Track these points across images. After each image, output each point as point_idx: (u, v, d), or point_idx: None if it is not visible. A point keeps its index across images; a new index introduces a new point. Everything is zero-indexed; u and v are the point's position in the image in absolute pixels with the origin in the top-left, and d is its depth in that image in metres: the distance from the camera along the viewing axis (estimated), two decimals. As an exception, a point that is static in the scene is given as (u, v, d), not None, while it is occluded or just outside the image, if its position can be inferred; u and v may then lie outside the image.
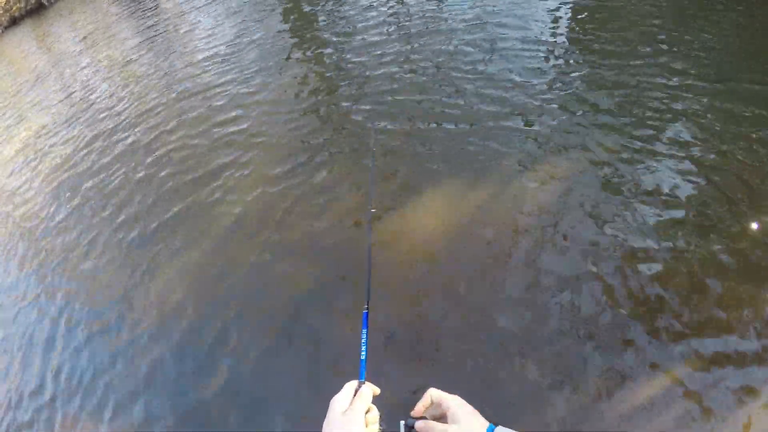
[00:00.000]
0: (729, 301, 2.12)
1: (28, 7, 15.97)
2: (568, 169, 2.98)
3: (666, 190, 2.66)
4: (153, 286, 3.35)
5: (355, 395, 0.83)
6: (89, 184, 4.84)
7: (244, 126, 4.54)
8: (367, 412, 0.81)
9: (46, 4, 15.71)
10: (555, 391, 2.02)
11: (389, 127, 3.83)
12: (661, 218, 2.54)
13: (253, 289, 3.01)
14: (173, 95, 5.73)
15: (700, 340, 2.02)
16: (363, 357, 0.94)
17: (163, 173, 4.40)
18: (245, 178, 3.91)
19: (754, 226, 2.37)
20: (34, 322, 3.58)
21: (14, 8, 16.16)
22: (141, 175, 4.53)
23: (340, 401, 0.81)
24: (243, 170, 3.99)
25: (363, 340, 0.96)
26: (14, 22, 15.77)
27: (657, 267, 2.33)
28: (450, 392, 0.82)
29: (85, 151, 5.48)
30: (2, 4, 16.26)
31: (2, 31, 15.57)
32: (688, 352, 2.00)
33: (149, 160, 4.69)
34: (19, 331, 3.59)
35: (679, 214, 2.54)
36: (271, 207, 3.53)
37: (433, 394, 0.84)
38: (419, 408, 0.85)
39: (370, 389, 0.85)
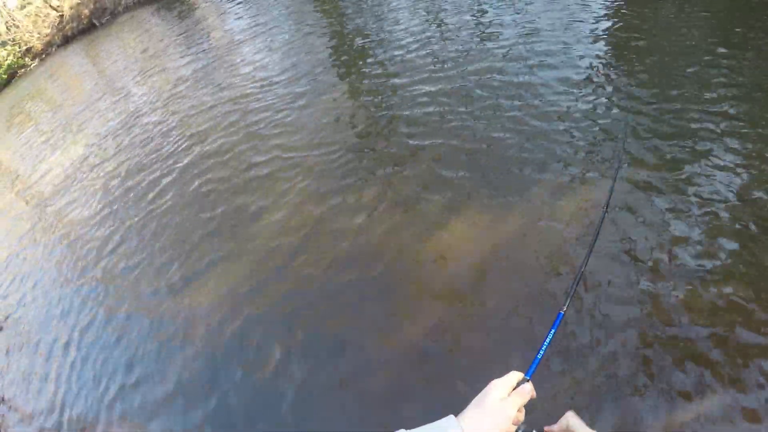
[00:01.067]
0: None
1: (80, 27, 16.76)
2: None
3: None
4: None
5: (516, 388, 0.82)
6: (134, 201, 5.07)
7: (290, 155, 4.66)
8: (517, 411, 0.81)
9: (98, 24, 16.47)
10: None
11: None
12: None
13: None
14: (218, 119, 5.94)
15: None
16: (539, 356, 0.93)
17: (209, 197, 4.57)
18: (293, 201, 4.04)
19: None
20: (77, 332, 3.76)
21: (67, 27, 17.00)
22: (188, 198, 4.71)
23: (499, 387, 0.81)
24: (290, 196, 4.11)
25: (547, 340, 0.95)
26: (67, 41, 16.57)
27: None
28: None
29: (132, 170, 5.73)
30: (56, 24, 17.14)
31: (55, 50, 16.39)
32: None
33: (197, 183, 4.86)
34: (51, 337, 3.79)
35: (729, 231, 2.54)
36: (319, 223, 3.70)
37: (571, 421, 0.85)
38: (554, 429, 0.86)
39: (530, 389, 0.84)
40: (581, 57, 4.31)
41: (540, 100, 3.97)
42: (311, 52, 6.73)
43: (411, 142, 4.13)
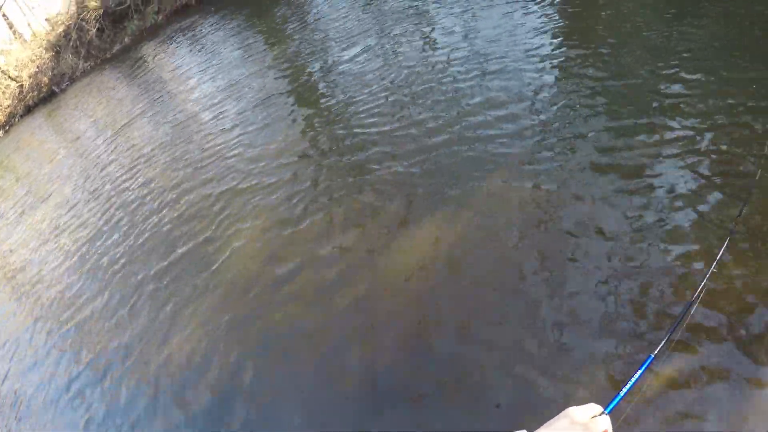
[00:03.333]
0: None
1: (41, 95, 17.15)
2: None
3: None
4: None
5: (591, 418, 0.84)
6: (102, 252, 5.38)
7: (253, 182, 5.06)
8: None
9: (58, 90, 16.87)
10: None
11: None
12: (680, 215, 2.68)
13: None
14: (179, 165, 6.35)
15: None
16: (622, 393, 0.95)
17: (174, 235, 4.93)
18: (252, 231, 4.38)
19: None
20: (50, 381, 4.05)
21: (28, 97, 17.38)
22: (159, 245, 5.06)
23: (573, 414, 0.83)
24: (247, 223, 4.48)
25: (633, 379, 0.98)
26: (29, 110, 16.94)
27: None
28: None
29: (100, 223, 6.08)
30: (16, 95, 17.50)
31: (18, 120, 16.72)
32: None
33: (165, 229, 5.23)
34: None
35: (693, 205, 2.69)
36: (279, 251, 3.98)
37: None
38: None
39: (606, 424, 0.85)
40: (530, 55, 4.57)
41: (488, 92, 4.29)
42: (263, 88, 7.19)
43: (363, 155, 4.48)
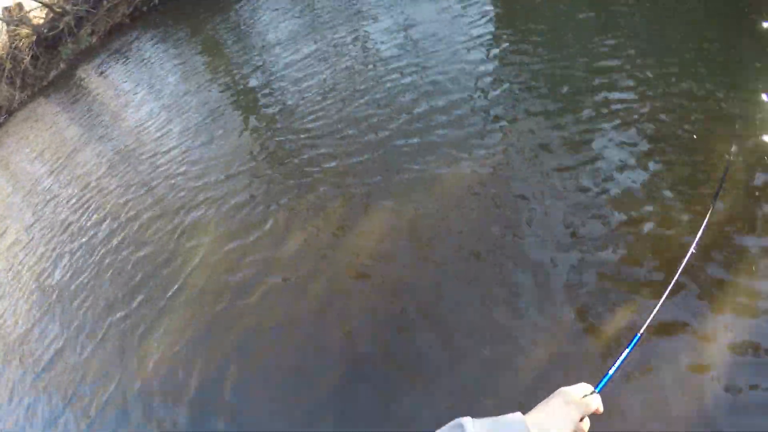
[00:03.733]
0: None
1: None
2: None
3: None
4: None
5: (583, 398, 0.85)
6: (63, 285, 5.40)
7: (203, 197, 5.15)
8: (581, 420, 0.84)
9: (-5, 124, 16.30)
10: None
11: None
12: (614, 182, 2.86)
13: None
14: (130, 190, 6.38)
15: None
16: (611, 372, 0.96)
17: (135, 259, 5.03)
18: (209, 245, 4.50)
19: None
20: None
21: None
22: (114, 272, 5.13)
23: (566, 394, 0.85)
24: (205, 238, 4.61)
25: (621, 358, 0.98)
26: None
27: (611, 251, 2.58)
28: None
29: (57, 257, 6.07)
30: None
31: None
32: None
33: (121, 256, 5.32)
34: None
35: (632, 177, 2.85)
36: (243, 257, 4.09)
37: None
38: None
39: (597, 402, 0.87)
40: (468, 44, 4.75)
41: (427, 85, 4.53)
42: (205, 103, 7.23)
43: (307, 157, 4.66)
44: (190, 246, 4.66)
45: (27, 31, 16.99)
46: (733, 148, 2.31)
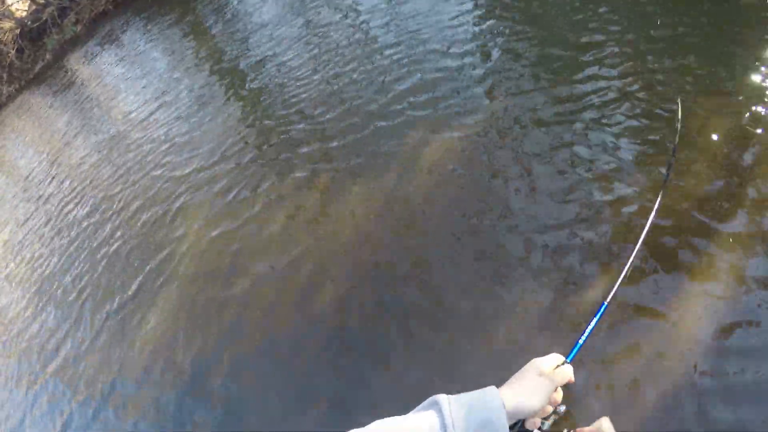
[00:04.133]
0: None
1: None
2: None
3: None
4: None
5: (555, 368, 0.86)
6: (61, 279, 5.37)
7: (194, 183, 5.09)
8: (554, 391, 0.84)
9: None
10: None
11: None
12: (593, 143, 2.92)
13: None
14: (125, 180, 6.30)
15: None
16: (581, 342, 0.97)
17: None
18: (198, 228, 4.48)
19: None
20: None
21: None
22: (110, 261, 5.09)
23: (539, 365, 0.85)
24: (197, 223, 4.56)
25: (589, 328, 1.00)
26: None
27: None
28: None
29: (52, 252, 6.02)
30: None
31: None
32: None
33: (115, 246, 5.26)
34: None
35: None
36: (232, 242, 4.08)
37: (605, 425, 0.92)
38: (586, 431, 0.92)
39: (569, 372, 0.88)
40: (453, 24, 4.72)
41: (416, 57, 4.56)
42: (192, 90, 7.12)
43: (294, 138, 4.65)
44: (178, 234, 4.63)
45: (10, 24, 16.65)
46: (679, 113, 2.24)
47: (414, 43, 4.82)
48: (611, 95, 3.17)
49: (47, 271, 5.80)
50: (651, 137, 2.84)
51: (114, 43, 12.33)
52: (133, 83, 9.02)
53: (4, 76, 16.57)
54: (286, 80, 5.68)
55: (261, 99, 5.75)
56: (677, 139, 2.02)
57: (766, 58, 2.90)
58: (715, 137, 2.64)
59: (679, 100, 2.10)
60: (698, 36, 3.33)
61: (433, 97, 4.05)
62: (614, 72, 3.33)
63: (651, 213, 1.26)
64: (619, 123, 2.99)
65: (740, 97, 2.78)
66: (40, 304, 5.39)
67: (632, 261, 1.12)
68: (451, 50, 4.45)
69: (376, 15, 5.76)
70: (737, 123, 2.66)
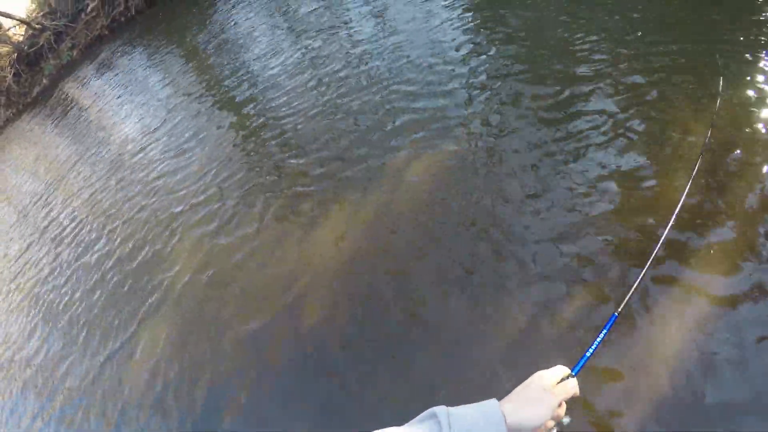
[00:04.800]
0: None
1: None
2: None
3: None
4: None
5: (560, 382, 0.83)
6: (66, 301, 5.54)
7: (193, 203, 5.25)
8: (558, 406, 0.81)
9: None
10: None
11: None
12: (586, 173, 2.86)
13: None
14: (123, 204, 6.51)
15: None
16: (588, 354, 0.93)
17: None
18: (193, 240, 4.65)
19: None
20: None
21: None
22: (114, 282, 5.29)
23: (544, 378, 0.83)
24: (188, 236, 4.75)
25: (598, 340, 0.96)
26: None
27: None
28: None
29: (50, 271, 6.19)
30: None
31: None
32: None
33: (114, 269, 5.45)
34: None
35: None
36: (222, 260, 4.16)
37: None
38: None
39: (574, 386, 0.85)
40: (445, 35, 4.90)
41: (407, 72, 4.71)
42: (187, 106, 7.36)
43: (285, 151, 4.81)
44: (176, 251, 4.78)
45: (7, 48, 17.02)
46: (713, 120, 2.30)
47: (406, 50, 5.03)
48: (608, 128, 3.19)
49: (45, 290, 5.98)
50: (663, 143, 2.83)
51: (109, 67, 12.63)
52: (128, 106, 9.29)
53: (2, 100, 16.90)
54: (276, 94, 5.92)
55: (253, 113, 5.97)
56: (702, 151, 1.99)
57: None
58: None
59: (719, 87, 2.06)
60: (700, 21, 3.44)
61: (417, 119, 4.18)
62: (611, 100, 3.35)
63: (668, 223, 1.22)
64: (620, 136, 3.02)
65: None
66: (34, 323, 5.56)
67: (645, 272, 1.08)
68: (441, 53, 4.63)
69: (367, 23, 6.06)
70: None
